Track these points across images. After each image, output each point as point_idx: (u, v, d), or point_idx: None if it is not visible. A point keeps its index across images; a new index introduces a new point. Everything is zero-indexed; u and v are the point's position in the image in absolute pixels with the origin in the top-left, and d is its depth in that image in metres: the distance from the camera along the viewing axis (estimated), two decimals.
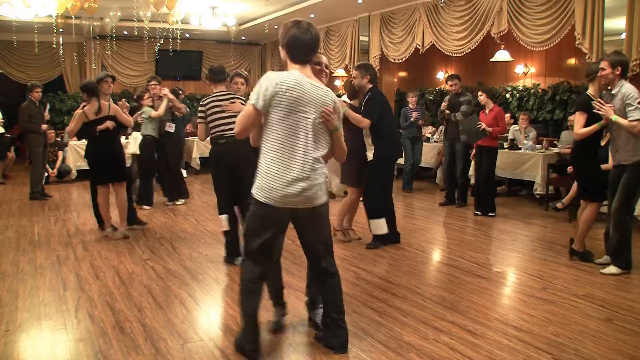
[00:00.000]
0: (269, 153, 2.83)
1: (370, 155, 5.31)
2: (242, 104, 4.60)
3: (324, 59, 3.34)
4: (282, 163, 2.80)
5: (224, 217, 4.76)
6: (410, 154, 8.85)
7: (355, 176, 5.46)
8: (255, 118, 2.84)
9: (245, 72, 5.05)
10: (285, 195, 2.81)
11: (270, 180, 2.81)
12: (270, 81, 2.78)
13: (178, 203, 7.79)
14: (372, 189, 5.33)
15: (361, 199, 5.60)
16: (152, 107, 7.41)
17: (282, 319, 3.45)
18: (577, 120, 4.76)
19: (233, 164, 4.64)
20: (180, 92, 8.63)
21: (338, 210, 5.52)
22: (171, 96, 7.28)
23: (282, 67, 2.99)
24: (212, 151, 4.80)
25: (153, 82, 7.63)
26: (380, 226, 5.30)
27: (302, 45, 2.83)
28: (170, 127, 7.58)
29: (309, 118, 2.82)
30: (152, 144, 7.45)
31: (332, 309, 3.11)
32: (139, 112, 7.46)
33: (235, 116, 4.45)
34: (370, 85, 5.28)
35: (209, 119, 4.73)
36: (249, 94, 4.71)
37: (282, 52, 2.90)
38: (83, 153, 7.36)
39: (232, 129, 4.42)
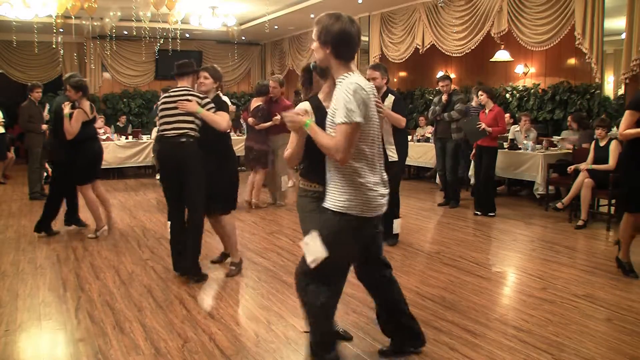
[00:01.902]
0: (355, 163, 2.53)
1: (392, 154, 5.32)
2: (198, 102, 4.28)
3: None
4: (370, 171, 2.58)
5: (169, 223, 4.58)
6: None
7: None
8: (356, 134, 2.45)
9: (217, 67, 4.67)
10: (380, 204, 2.64)
11: (366, 190, 2.55)
12: (361, 90, 2.43)
13: None
14: (396, 188, 5.46)
15: None
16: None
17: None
18: (626, 119, 4.27)
19: (175, 166, 4.35)
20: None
21: None
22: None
23: (320, 70, 2.81)
24: (157, 151, 4.66)
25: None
26: (399, 225, 5.60)
27: (352, 40, 2.49)
28: None
29: (377, 122, 2.60)
30: None
31: (403, 303, 3.06)
32: None
33: (182, 115, 4.25)
34: (386, 87, 5.38)
35: (159, 115, 4.49)
36: (217, 89, 4.53)
37: (323, 52, 2.51)
38: None
39: (175, 128, 4.29)
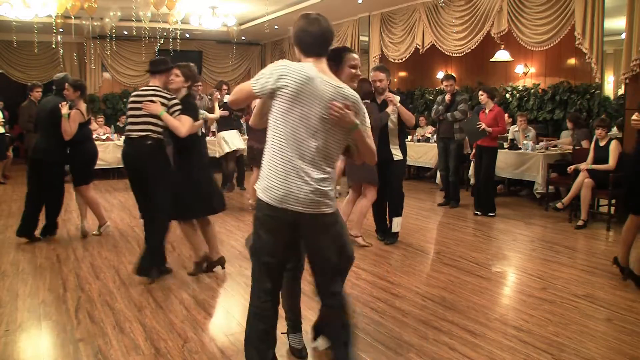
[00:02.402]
0: (271, 147, 2.50)
1: (397, 153, 5.48)
2: (163, 104, 4.21)
3: (356, 60, 2.91)
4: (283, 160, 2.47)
5: (141, 221, 4.56)
6: None
7: (374, 174, 5.42)
8: (247, 97, 2.58)
9: (193, 67, 4.49)
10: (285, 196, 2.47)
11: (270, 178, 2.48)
12: (278, 67, 2.48)
13: None
14: (400, 187, 5.62)
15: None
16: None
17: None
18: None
19: (138, 168, 4.30)
20: (226, 86, 8.81)
21: (359, 212, 5.46)
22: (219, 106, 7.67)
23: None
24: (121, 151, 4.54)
25: (199, 84, 7.69)
26: (400, 223, 5.67)
27: (309, 38, 2.53)
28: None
29: (315, 115, 2.44)
30: None
31: None
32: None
33: (147, 116, 4.17)
34: (388, 88, 5.53)
35: (127, 114, 4.44)
36: (189, 88, 4.41)
37: (296, 50, 2.61)
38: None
39: (140, 129, 4.22)
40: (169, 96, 4.27)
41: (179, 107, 4.25)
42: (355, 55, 2.78)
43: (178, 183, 4.28)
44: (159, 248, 4.43)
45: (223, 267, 4.69)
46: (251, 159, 7.43)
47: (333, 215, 2.57)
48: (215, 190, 4.53)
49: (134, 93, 4.39)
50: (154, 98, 4.21)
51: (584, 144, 7.37)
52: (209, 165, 4.61)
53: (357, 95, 2.55)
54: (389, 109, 5.32)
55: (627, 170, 4.55)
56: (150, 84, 4.35)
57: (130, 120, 4.30)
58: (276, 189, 2.45)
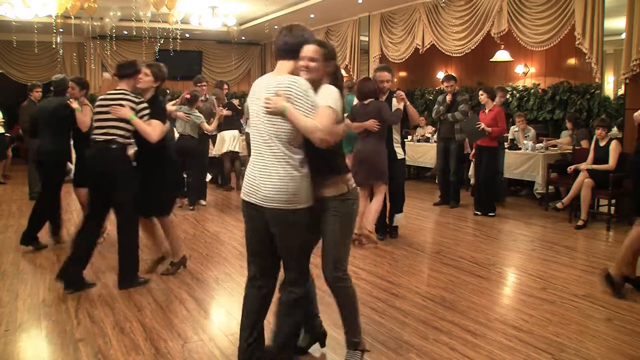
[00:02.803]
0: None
1: (400, 152, 5.66)
2: (131, 108, 4.08)
3: (307, 51, 2.77)
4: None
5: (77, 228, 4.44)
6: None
7: (386, 173, 5.45)
8: None
9: (162, 67, 4.43)
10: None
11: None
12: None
13: (203, 203, 7.80)
14: (403, 185, 5.82)
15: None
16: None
17: None
18: None
19: (102, 173, 4.16)
20: (226, 85, 8.99)
21: (375, 211, 5.43)
22: (224, 112, 7.79)
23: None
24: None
25: (203, 83, 7.77)
26: (400, 218, 5.88)
27: (278, 47, 2.81)
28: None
29: (257, 112, 2.70)
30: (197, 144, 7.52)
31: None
32: (184, 110, 7.41)
33: (115, 120, 4.04)
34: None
35: (93, 118, 4.32)
36: (156, 88, 4.31)
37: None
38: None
39: (105, 133, 4.08)
40: (137, 100, 4.14)
41: (148, 111, 4.14)
42: (310, 47, 2.72)
43: (139, 181, 4.21)
44: (134, 254, 4.31)
45: (173, 265, 4.62)
46: None
47: (295, 213, 2.64)
48: (162, 195, 4.40)
49: (101, 97, 4.26)
50: (122, 102, 4.09)
51: (584, 143, 7.38)
52: (171, 169, 4.47)
53: (293, 82, 2.63)
54: (400, 106, 5.43)
55: (632, 171, 4.34)
56: (117, 88, 4.22)
57: (96, 124, 4.17)
58: (245, 185, 2.77)
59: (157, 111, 4.20)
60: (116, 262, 4.93)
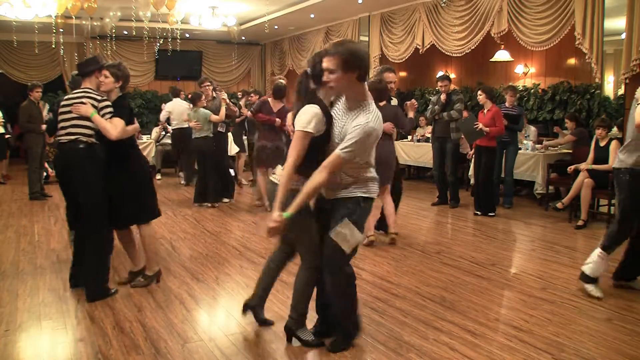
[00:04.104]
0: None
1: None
2: (93, 105, 3.96)
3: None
4: None
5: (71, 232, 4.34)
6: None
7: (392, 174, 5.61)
8: None
9: (123, 65, 4.25)
10: None
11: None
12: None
13: (225, 201, 7.82)
14: (401, 184, 6.10)
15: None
16: (204, 108, 7.51)
17: None
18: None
19: (67, 173, 4.07)
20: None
21: (390, 213, 5.62)
22: (227, 100, 7.69)
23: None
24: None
25: (206, 84, 7.78)
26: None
27: None
28: (222, 127, 7.75)
29: None
30: (212, 143, 7.57)
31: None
32: (192, 116, 7.50)
33: (77, 119, 3.94)
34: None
35: (58, 119, 4.18)
36: (121, 89, 4.17)
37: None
38: None
39: (69, 133, 3.97)
40: (99, 97, 4.02)
41: (110, 109, 4.03)
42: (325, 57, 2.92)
43: (109, 188, 4.07)
44: (99, 267, 4.07)
45: (145, 279, 4.36)
46: (259, 159, 7.23)
47: None
48: (134, 202, 4.20)
49: (65, 97, 4.17)
50: (84, 99, 3.97)
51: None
52: (142, 177, 4.27)
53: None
54: (412, 115, 5.71)
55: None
56: (81, 87, 4.10)
57: (60, 125, 4.05)
58: None
59: (122, 112, 4.08)
60: (116, 261, 4.94)
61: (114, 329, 3.47)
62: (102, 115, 3.99)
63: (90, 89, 4.07)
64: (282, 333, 3.35)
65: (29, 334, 3.45)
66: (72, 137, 3.98)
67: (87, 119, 3.96)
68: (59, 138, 4.05)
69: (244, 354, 3.12)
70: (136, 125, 4.27)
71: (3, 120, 9.90)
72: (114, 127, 3.97)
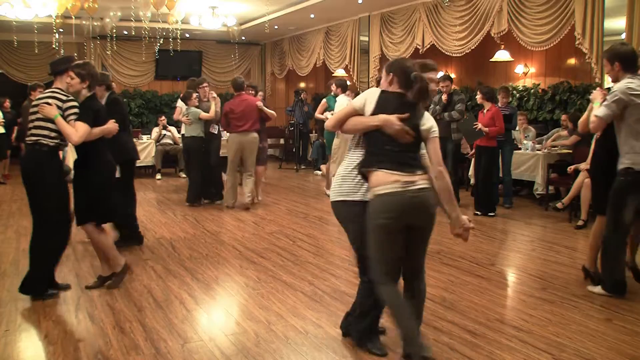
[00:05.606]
0: None
1: None
2: (58, 106, 3.87)
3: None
4: None
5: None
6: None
7: None
8: None
9: (90, 65, 4.16)
10: None
11: None
12: None
13: (218, 202, 7.80)
14: None
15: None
16: (197, 107, 7.50)
17: None
18: None
19: (24, 175, 3.98)
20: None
21: None
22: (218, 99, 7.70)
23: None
24: None
25: (205, 85, 7.78)
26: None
27: None
28: (214, 129, 7.71)
29: None
30: (201, 143, 7.57)
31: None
32: (184, 113, 7.49)
33: (41, 120, 3.87)
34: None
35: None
36: (89, 89, 4.02)
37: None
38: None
39: (31, 134, 3.90)
40: (64, 98, 3.91)
41: (75, 110, 3.91)
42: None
43: (78, 187, 4.07)
44: (42, 263, 4.01)
45: (116, 277, 4.29)
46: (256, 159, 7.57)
47: None
48: (100, 201, 4.15)
49: (38, 97, 4.05)
50: (49, 100, 3.87)
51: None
52: (109, 176, 4.27)
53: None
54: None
55: (594, 170, 4.64)
56: (52, 86, 4.02)
57: (28, 125, 3.96)
58: None
59: (87, 114, 3.95)
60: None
61: (114, 329, 3.47)
62: (67, 117, 3.89)
63: (59, 89, 3.99)
64: (281, 333, 3.35)
65: (29, 334, 3.45)
66: (34, 139, 3.89)
67: (50, 120, 3.86)
68: (27, 139, 3.97)
69: (243, 354, 3.12)
70: (107, 127, 4.13)
71: (3, 120, 9.90)
72: (76, 132, 3.86)
